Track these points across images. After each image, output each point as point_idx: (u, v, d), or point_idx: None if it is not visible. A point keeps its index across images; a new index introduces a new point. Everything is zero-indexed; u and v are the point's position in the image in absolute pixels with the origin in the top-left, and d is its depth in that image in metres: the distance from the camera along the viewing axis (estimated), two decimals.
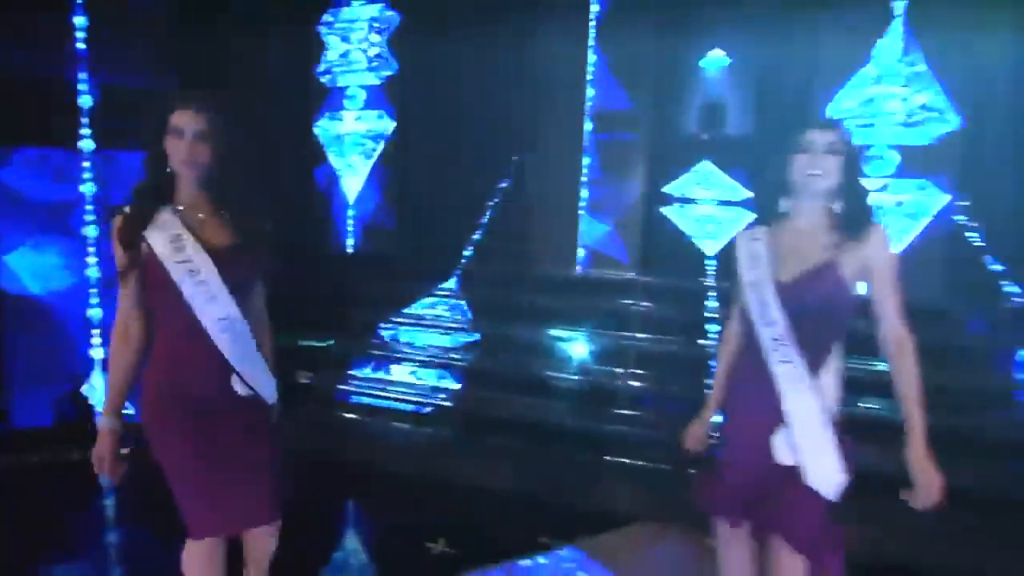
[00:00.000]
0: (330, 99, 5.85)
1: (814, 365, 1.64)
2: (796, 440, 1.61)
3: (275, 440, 1.87)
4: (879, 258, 1.64)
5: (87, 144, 4.11)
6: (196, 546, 1.81)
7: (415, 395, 4.55)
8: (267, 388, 1.80)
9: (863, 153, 4.60)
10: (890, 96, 4.57)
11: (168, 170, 1.69)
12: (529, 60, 5.71)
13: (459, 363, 4.80)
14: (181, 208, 1.70)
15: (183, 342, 1.70)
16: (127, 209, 1.70)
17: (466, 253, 5.60)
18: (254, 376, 1.75)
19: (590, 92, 5.69)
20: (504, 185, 5.98)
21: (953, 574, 2.87)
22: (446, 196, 5.66)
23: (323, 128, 5.83)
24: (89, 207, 4.16)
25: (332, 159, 5.86)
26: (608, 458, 3.88)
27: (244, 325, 1.70)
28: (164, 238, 1.64)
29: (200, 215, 1.71)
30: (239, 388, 1.73)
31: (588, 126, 5.68)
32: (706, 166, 5.49)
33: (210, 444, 1.72)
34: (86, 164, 4.12)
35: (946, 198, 4.51)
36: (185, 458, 1.73)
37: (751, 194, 5.14)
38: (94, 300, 4.20)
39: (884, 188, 4.64)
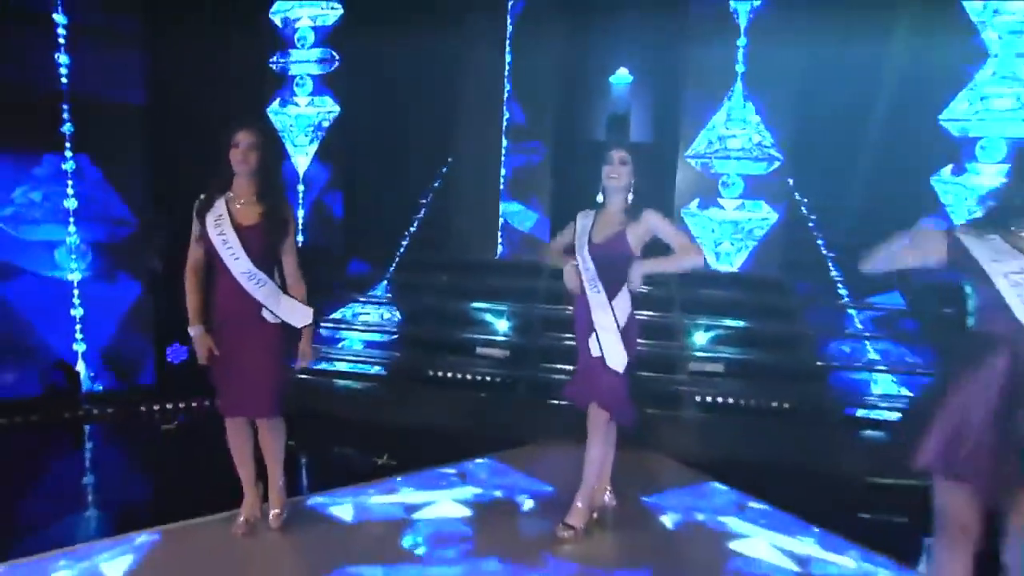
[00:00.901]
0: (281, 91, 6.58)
1: (611, 294, 2.71)
2: (601, 340, 2.68)
3: (276, 360, 2.77)
4: (651, 221, 2.72)
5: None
6: (230, 422, 2.78)
7: (361, 359, 5.47)
8: (293, 317, 2.68)
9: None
10: (740, 135, 5.97)
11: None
12: (455, 75, 6.66)
13: (396, 332, 5.75)
14: (231, 196, 2.58)
15: (227, 287, 2.58)
16: (202, 196, 2.60)
17: (403, 243, 6.56)
18: (278, 309, 2.63)
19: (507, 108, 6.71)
20: (436, 184, 6.97)
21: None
22: (386, 195, 6.59)
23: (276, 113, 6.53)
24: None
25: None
26: (518, 398, 4.93)
27: (264, 276, 2.58)
28: (212, 218, 2.53)
29: (241, 202, 2.60)
30: (268, 316, 2.62)
31: (504, 139, 6.69)
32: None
33: (238, 353, 2.62)
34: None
35: (774, 215, 5.93)
36: (221, 361, 2.63)
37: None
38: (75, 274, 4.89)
39: (741, 207, 6.02)
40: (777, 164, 5.95)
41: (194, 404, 4.89)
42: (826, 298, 5.80)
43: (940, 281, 3.00)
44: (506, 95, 6.62)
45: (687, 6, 6.15)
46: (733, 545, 3.11)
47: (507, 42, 6.58)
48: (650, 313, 5.60)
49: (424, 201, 6.92)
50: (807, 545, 3.13)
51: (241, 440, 2.79)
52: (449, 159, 6.89)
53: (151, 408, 4.81)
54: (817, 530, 3.23)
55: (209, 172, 2.63)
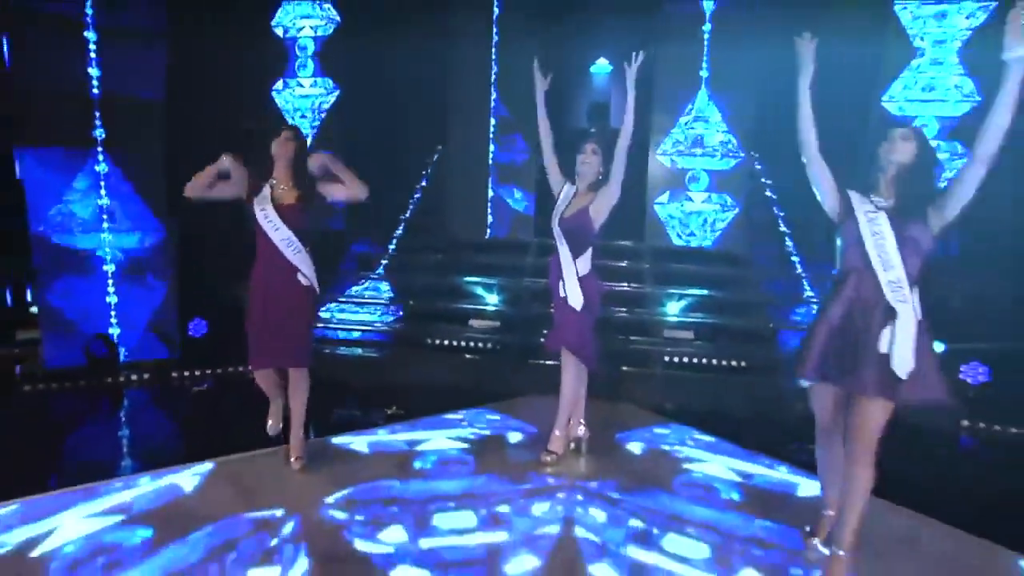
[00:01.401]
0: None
1: (575, 255, 3.35)
2: (566, 284, 3.34)
3: (309, 318, 3.37)
4: (605, 192, 3.34)
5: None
6: (259, 374, 3.34)
7: (369, 329, 6.10)
8: (315, 281, 3.28)
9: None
10: (709, 134, 6.63)
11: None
12: (446, 67, 7.21)
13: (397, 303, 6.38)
14: (274, 180, 3.16)
15: (268, 252, 3.16)
16: (250, 180, 3.18)
17: (401, 225, 7.16)
18: (308, 273, 3.23)
19: (494, 93, 7.27)
20: (429, 171, 7.55)
21: None
22: (383, 182, 7.13)
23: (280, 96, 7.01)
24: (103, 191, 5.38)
25: None
26: (507, 360, 5.57)
27: (299, 243, 3.17)
28: (260, 198, 3.11)
29: (281, 185, 3.17)
30: (301, 279, 3.21)
31: (493, 121, 7.26)
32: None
33: (272, 312, 3.20)
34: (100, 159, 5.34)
35: (734, 210, 6.63)
36: (258, 321, 3.21)
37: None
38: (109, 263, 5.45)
39: (709, 198, 6.67)
40: (738, 160, 6.59)
41: (219, 371, 5.49)
42: (782, 268, 6.47)
43: None
44: (493, 89, 7.19)
45: (661, 5, 6.76)
46: (687, 465, 3.77)
47: (493, 37, 7.15)
48: (624, 285, 6.27)
49: (420, 186, 7.50)
50: (749, 465, 3.79)
51: (268, 378, 3.38)
52: (439, 147, 7.46)
53: (181, 374, 5.40)
54: (759, 455, 3.89)
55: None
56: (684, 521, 3.05)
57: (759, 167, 6.81)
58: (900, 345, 2.33)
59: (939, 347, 5.63)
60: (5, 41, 5.01)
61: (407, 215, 7.31)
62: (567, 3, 7.50)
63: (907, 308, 2.34)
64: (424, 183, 7.53)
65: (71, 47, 5.15)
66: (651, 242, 6.76)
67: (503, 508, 3.12)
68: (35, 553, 2.61)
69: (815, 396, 2.68)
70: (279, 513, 2.95)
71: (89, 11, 5.17)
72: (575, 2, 7.61)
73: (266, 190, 3.17)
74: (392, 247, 6.97)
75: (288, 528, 2.85)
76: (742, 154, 6.61)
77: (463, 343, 5.91)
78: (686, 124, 6.68)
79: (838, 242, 2.53)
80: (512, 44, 7.06)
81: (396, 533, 2.84)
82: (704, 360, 5.61)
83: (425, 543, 2.77)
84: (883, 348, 2.35)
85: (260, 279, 3.23)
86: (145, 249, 5.60)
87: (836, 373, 2.46)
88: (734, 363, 5.55)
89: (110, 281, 5.48)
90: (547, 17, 7.27)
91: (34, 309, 6.25)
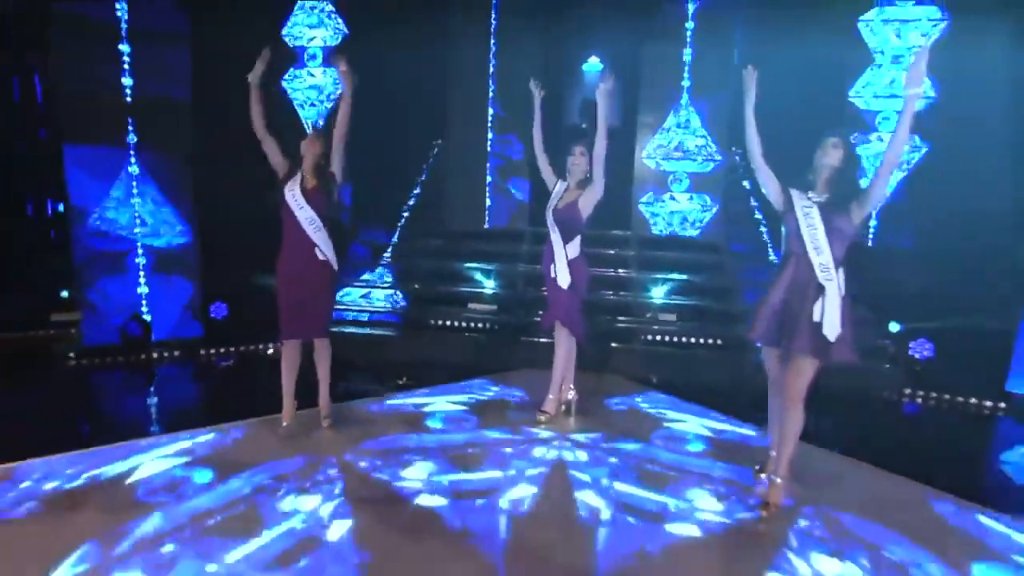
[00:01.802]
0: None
1: (565, 241, 3.89)
2: (556, 266, 3.89)
3: (330, 291, 3.89)
4: (592, 189, 3.89)
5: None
6: (286, 345, 3.84)
7: (377, 310, 6.64)
8: (333, 259, 3.79)
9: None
10: (687, 139, 7.22)
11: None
12: (446, 66, 7.72)
13: (403, 288, 6.91)
14: (303, 170, 3.67)
15: (293, 233, 3.67)
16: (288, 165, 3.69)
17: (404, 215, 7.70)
18: (327, 251, 3.74)
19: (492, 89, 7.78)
20: (429, 163, 8.08)
21: None
22: (385, 175, 7.65)
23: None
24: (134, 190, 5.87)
25: None
26: (504, 338, 6.12)
27: (321, 224, 3.68)
28: (290, 184, 3.63)
29: (308, 175, 3.68)
30: (319, 255, 3.72)
31: (491, 114, 7.77)
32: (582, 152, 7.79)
33: (297, 287, 3.71)
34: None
35: (713, 208, 7.25)
36: (287, 298, 3.73)
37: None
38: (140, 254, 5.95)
39: (691, 198, 7.24)
40: (716, 164, 7.19)
41: (240, 348, 6.03)
42: (757, 255, 7.06)
43: None
44: (491, 84, 7.71)
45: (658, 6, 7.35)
46: (666, 424, 4.34)
47: (491, 37, 7.66)
48: (612, 270, 6.84)
49: (420, 180, 8.03)
50: (718, 424, 4.37)
51: (292, 361, 3.84)
52: (438, 141, 7.99)
53: (208, 351, 5.93)
54: (728, 417, 4.47)
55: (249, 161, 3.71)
56: (656, 463, 3.63)
57: (738, 160, 7.40)
58: (829, 314, 2.90)
59: (895, 327, 6.28)
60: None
61: (409, 206, 7.85)
62: (562, 4, 8.02)
63: (833, 285, 2.91)
64: (424, 176, 8.07)
65: (105, 52, 5.62)
66: (636, 231, 7.34)
67: (504, 451, 3.68)
68: (128, 481, 3.16)
69: (765, 356, 3.25)
70: (314, 458, 3.50)
71: (122, 18, 5.64)
72: (569, 3, 8.13)
73: (297, 176, 3.69)
74: (396, 236, 7.50)
75: (323, 468, 3.39)
76: (719, 157, 7.18)
77: (463, 324, 6.47)
78: (668, 129, 7.26)
79: (783, 230, 3.09)
80: (509, 46, 7.60)
81: (414, 472, 3.39)
82: (684, 339, 6.19)
83: (440, 478, 3.33)
84: (816, 317, 2.92)
85: (286, 259, 3.72)
86: (173, 239, 6.10)
87: (779, 337, 3.02)
88: (711, 341, 6.13)
89: (141, 270, 5.99)
90: (542, 19, 7.81)
91: (64, 293, 6.78)
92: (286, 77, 7.27)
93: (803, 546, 2.79)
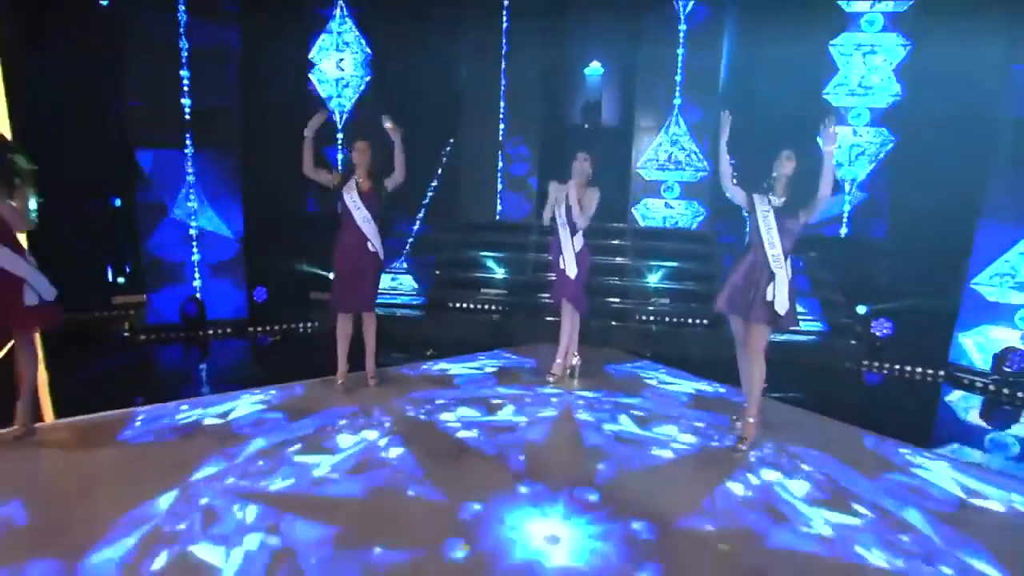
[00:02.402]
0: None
1: (571, 233, 4.68)
2: (565, 258, 4.68)
3: (377, 275, 4.69)
4: (593, 194, 4.68)
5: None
6: (340, 317, 4.65)
7: (406, 293, 7.46)
8: (381, 250, 4.60)
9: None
10: (674, 150, 8.03)
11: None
12: (461, 69, 8.51)
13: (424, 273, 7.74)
14: (357, 176, 4.46)
15: (350, 227, 4.47)
16: (342, 175, 4.46)
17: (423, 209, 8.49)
18: (376, 243, 4.53)
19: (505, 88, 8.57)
20: (444, 161, 8.88)
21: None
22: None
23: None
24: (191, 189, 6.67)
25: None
26: (515, 318, 6.92)
27: (372, 221, 4.48)
28: (347, 187, 4.41)
29: (362, 179, 4.47)
30: (371, 247, 4.52)
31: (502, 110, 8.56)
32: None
33: (351, 271, 4.51)
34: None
35: (701, 210, 8.08)
36: (342, 277, 4.54)
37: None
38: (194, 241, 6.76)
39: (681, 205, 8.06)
40: (704, 174, 8.05)
41: (280, 327, 6.84)
42: (741, 245, 7.84)
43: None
44: (501, 92, 8.51)
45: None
46: (657, 384, 5.15)
47: (503, 46, 8.45)
48: (611, 258, 7.63)
49: (436, 176, 8.82)
50: (702, 385, 5.17)
51: (345, 331, 4.66)
52: (451, 140, 8.80)
53: (254, 329, 6.74)
54: (711, 381, 5.27)
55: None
56: (645, 411, 4.43)
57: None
58: (779, 295, 3.69)
59: (862, 309, 7.08)
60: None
61: (427, 201, 8.65)
62: (566, 12, 8.80)
63: (782, 272, 3.70)
64: (439, 172, 8.87)
65: (169, 68, 6.41)
66: (632, 225, 8.15)
67: (521, 401, 4.50)
68: (224, 420, 3.98)
69: (732, 323, 4.04)
70: (367, 406, 4.30)
71: (183, 37, 6.43)
72: (574, 10, 8.89)
73: (352, 181, 4.48)
74: (417, 229, 8.31)
75: (375, 414, 4.20)
76: (707, 167, 8.01)
77: (479, 306, 7.28)
78: (659, 145, 8.13)
79: (747, 226, 3.89)
80: (517, 53, 8.41)
81: (450, 415, 4.20)
82: (675, 318, 6.99)
83: (472, 418, 4.13)
84: (769, 297, 3.72)
85: (343, 248, 4.51)
86: (222, 232, 6.90)
87: (740, 308, 3.82)
88: (698, 320, 6.93)
89: (196, 256, 6.80)
90: (549, 27, 8.60)
91: (121, 280, 7.60)
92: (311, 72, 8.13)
93: (757, 466, 3.60)
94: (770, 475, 3.50)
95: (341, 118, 8.27)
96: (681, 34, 8.08)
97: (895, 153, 7.69)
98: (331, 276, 5.63)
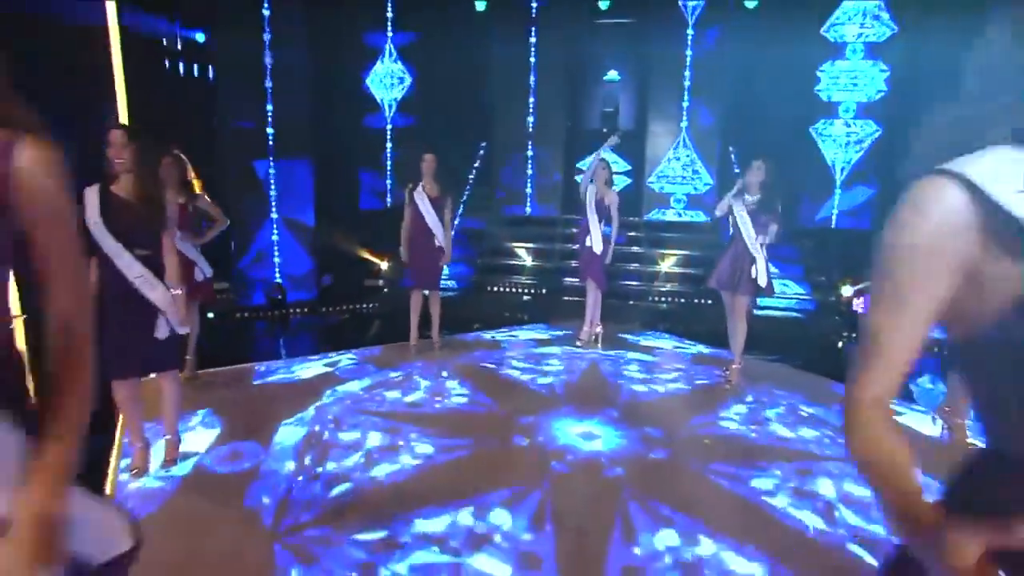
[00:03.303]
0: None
1: (599, 220, 5.83)
2: (592, 236, 5.83)
3: (441, 263, 5.87)
4: (611, 196, 5.83)
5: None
6: (413, 295, 5.87)
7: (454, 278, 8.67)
8: (444, 244, 5.77)
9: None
10: (681, 167, 9.14)
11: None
12: (492, 76, 9.68)
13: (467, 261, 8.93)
14: (423, 183, 5.64)
15: (420, 225, 5.64)
16: (411, 184, 5.66)
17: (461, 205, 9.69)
18: (441, 239, 5.71)
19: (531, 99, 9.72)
20: (477, 164, 10.06)
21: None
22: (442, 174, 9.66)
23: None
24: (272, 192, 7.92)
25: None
26: (544, 298, 8.09)
27: (438, 221, 5.65)
28: (417, 193, 5.60)
29: (428, 186, 5.65)
30: (437, 242, 5.70)
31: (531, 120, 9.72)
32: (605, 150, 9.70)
33: (423, 260, 5.70)
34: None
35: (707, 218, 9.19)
36: (413, 264, 5.74)
37: (628, 167, 9.53)
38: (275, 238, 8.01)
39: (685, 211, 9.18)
40: (709, 187, 9.20)
41: (346, 307, 8.08)
42: None
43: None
44: (531, 101, 9.66)
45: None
46: (666, 346, 6.28)
47: (532, 55, 9.61)
48: (628, 247, 8.76)
49: (470, 177, 10.01)
50: (703, 348, 6.30)
51: (416, 304, 5.85)
52: (483, 143, 9.98)
53: (325, 309, 7.99)
54: (711, 346, 6.39)
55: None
56: (654, 365, 5.58)
57: (731, 152, 9.29)
58: (760, 274, 4.82)
59: (848, 290, 8.12)
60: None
61: (465, 198, 9.84)
62: (590, 27, 9.93)
63: (760, 256, 4.82)
64: (474, 172, 10.05)
65: (254, 89, 7.66)
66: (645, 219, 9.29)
67: (556, 358, 5.66)
68: (319, 373, 5.21)
69: (724, 296, 5.16)
70: (434, 364, 5.49)
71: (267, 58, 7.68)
72: (595, 26, 10.02)
73: (420, 188, 5.66)
74: (457, 222, 9.52)
75: (445, 365, 5.38)
76: (712, 181, 9.14)
77: (512, 289, 8.45)
78: (667, 160, 9.30)
79: (729, 219, 5.02)
80: (543, 65, 9.57)
81: (503, 367, 5.37)
82: (683, 299, 8.11)
83: (521, 367, 5.30)
84: (753, 275, 4.83)
85: (416, 242, 5.68)
86: (299, 226, 8.15)
87: (729, 285, 4.94)
88: (703, 300, 8.05)
89: (276, 248, 8.06)
90: (574, 38, 9.74)
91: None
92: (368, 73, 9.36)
93: (739, 397, 4.73)
94: (749, 399, 4.63)
95: (391, 126, 9.53)
96: (688, 58, 9.19)
97: (881, 146, 8.71)
98: (383, 266, 6.93)
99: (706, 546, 2.81)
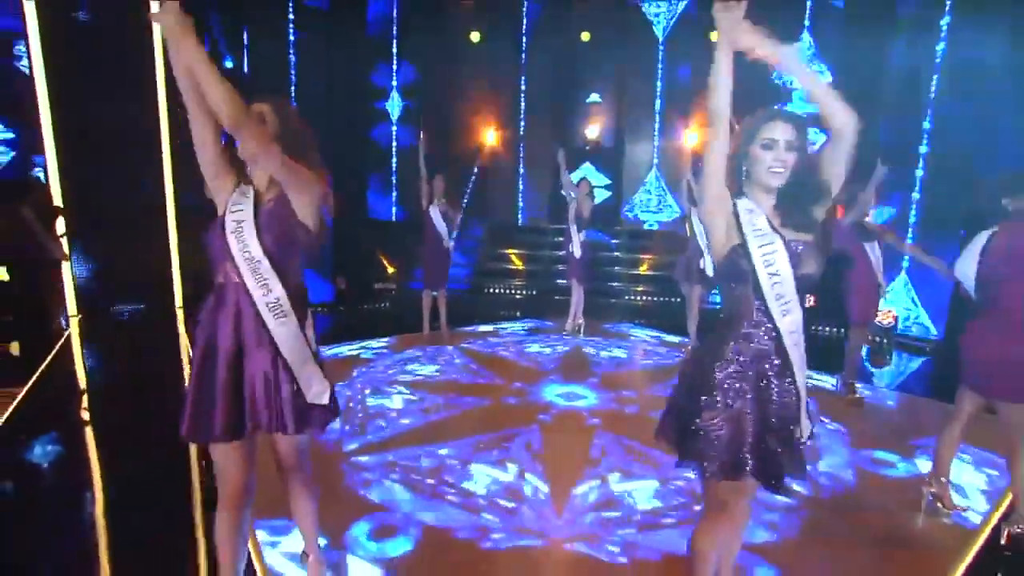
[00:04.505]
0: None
1: (578, 229, 6.88)
2: (573, 243, 6.87)
3: (448, 264, 6.89)
4: (589, 203, 6.88)
5: None
6: (425, 294, 6.90)
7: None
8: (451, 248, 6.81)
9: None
10: (652, 199, 10.19)
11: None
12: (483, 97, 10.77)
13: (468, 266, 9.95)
14: (436, 198, 6.67)
15: (433, 235, 6.64)
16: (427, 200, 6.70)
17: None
18: (449, 244, 6.72)
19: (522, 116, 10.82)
20: (474, 176, 11.12)
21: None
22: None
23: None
24: None
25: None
26: (535, 297, 9.12)
27: (448, 231, 6.67)
28: (432, 206, 6.62)
29: (439, 200, 6.67)
30: (445, 244, 6.72)
31: (520, 145, 10.80)
32: (586, 166, 10.81)
33: (434, 263, 6.71)
34: None
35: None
36: (426, 267, 6.77)
37: (609, 181, 10.62)
38: None
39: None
40: (677, 215, 10.32)
41: (364, 306, 9.07)
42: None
43: None
44: (522, 117, 10.75)
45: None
46: (645, 337, 7.32)
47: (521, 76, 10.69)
48: (609, 252, 9.83)
49: (469, 187, 11.06)
50: (669, 337, 7.34)
51: (428, 302, 6.87)
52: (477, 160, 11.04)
53: (342, 308, 8.98)
54: (686, 337, 7.43)
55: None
56: (631, 347, 6.62)
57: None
58: (708, 266, 5.87)
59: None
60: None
61: (464, 206, 10.87)
62: (576, 53, 11.05)
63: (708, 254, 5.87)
64: (471, 187, 11.09)
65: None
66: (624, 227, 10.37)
67: (545, 343, 6.68)
68: (359, 354, 6.19)
69: (683, 288, 6.21)
70: (446, 349, 6.49)
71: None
72: (581, 54, 11.13)
73: (436, 201, 6.67)
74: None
75: (452, 349, 6.37)
76: (680, 210, 10.28)
77: (507, 290, 9.49)
78: (640, 193, 10.43)
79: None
80: (533, 90, 10.65)
81: (502, 348, 6.39)
82: (658, 297, 9.17)
83: (515, 350, 6.32)
84: (702, 266, 5.88)
85: (427, 248, 6.70)
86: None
87: (684, 277, 5.99)
88: (675, 299, 9.10)
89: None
90: (562, 62, 10.84)
91: None
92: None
93: None
94: None
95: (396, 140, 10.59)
96: (658, 102, 10.36)
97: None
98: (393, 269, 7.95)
99: (670, 467, 3.81)
